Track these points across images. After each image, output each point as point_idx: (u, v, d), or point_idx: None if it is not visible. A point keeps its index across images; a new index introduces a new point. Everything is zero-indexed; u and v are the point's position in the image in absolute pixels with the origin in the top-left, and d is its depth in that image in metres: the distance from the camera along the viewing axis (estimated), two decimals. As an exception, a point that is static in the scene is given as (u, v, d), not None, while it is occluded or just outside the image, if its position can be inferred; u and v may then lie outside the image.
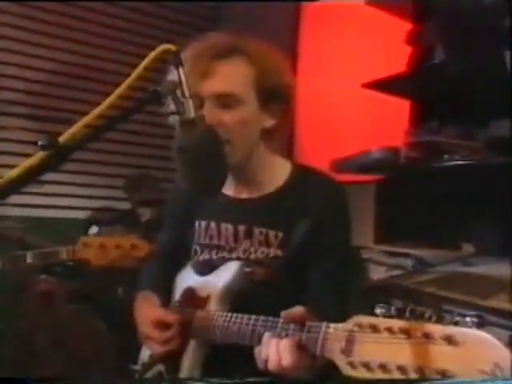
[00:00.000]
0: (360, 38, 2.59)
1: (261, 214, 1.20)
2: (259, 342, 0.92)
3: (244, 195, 1.26)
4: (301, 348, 0.86)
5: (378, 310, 0.76)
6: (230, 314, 1.05)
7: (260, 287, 1.14)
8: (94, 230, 1.26)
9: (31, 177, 0.76)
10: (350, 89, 2.56)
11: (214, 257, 1.24)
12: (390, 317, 0.74)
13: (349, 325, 0.78)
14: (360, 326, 0.76)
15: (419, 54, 2.10)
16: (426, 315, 0.72)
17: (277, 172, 1.24)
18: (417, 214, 2.10)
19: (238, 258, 1.19)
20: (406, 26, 2.18)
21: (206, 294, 1.16)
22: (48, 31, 3.40)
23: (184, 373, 1.12)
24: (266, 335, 0.92)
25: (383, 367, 0.71)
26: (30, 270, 2.23)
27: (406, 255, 1.88)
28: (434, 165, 1.89)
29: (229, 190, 1.26)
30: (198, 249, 1.29)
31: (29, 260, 1.25)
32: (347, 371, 0.75)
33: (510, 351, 0.65)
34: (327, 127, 2.81)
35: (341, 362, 0.77)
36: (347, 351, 0.77)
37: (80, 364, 2.19)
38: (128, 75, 0.89)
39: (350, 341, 0.77)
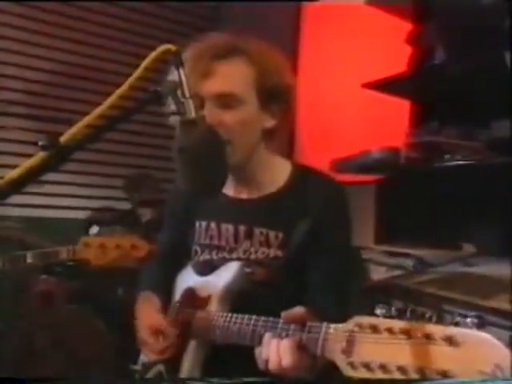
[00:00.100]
0: (360, 38, 2.59)
1: (261, 215, 1.20)
2: (260, 343, 0.92)
3: (244, 195, 1.26)
4: (301, 348, 0.86)
5: (378, 311, 0.76)
6: (230, 315, 1.05)
7: (260, 287, 1.14)
8: (94, 230, 1.25)
9: (32, 177, 0.76)
10: (350, 89, 2.56)
11: (215, 257, 1.24)
12: (391, 317, 0.74)
13: (349, 325, 0.78)
14: (360, 326, 0.76)
15: (419, 55, 2.10)
16: (427, 316, 0.72)
17: (277, 172, 1.24)
18: (417, 215, 2.10)
19: (238, 259, 1.19)
20: (407, 26, 2.18)
21: (207, 295, 1.16)
22: (47, 31, 3.40)
23: (184, 373, 1.12)
24: (267, 336, 0.92)
25: (383, 368, 0.71)
26: (30, 269, 2.23)
27: (407, 255, 1.88)
28: (434, 165, 1.89)
29: (229, 190, 1.26)
30: (199, 249, 1.28)
31: (29, 260, 1.25)
32: (348, 371, 0.75)
33: (510, 351, 0.65)
34: (327, 127, 2.81)
35: (341, 362, 0.77)
36: (348, 351, 0.77)
37: (80, 364, 2.19)
38: (128, 75, 0.89)
39: (350, 341, 0.77)
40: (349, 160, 2.13)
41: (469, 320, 0.69)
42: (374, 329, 0.74)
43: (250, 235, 1.20)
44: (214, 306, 1.13)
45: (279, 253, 1.16)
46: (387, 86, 2.11)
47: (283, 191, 1.21)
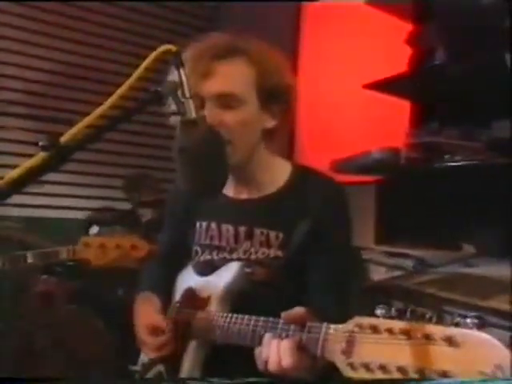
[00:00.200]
0: (360, 38, 2.59)
1: (261, 215, 1.20)
2: (260, 343, 0.92)
3: (244, 196, 1.26)
4: (301, 349, 0.86)
5: (378, 311, 0.76)
6: (230, 315, 1.05)
7: (260, 288, 1.14)
8: (94, 230, 1.25)
9: (32, 177, 0.76)
10: (350, 89, 2.56)
11: (215, 257, 1.24)
12: (391, 318, 0.74)
13: (349, 326, 0.78)
14: (360, 326, 0.76)
15: (419, 55, 2.10)
16: (427, 316, 0.72)
17: (277, 173, 1.24)
18: (417, 215, 2.10)
19: (238, 259, 1.19)
20: (407, 27, 2.18)
21: (207, 295, 1.16)
22: (47, 31, 3.40)
23: (184, 373, 1.12)
24: (267, 336, 0.92)
25: (383, 368, 0.71)
26: (30, 269, 2.23)
27: (407, 256, 1.88)
28: (434, 165, 1.89)
29: (229, 190, 1.26)
30: (199, 249, 1.28)
31: (29, 260, 1.25)
32: (347, 372, 0.75)
33: (510, 352, 0.65)
34: (327, 128, 2.81)
35: (341, 363, 0.77)
36: (347, 352, 0.77)
37: (80, 364, 2.19)
38: (127, 75, 0.89)
39: (350, 342, 0.77)
40: (349, 160, 2.13)
41: (469, 320, 0.68)
42: (374, 329, 0.74)
43: (250, 235, 1.20)
44: (214, 307, 1.13)
45: (279, 253, 1.16)
46: (387, 86, 2.11)
47: (283, 191, 1.21)
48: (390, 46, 2.33)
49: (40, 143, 0.76)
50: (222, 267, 1.18)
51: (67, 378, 1.81)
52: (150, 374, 1.21)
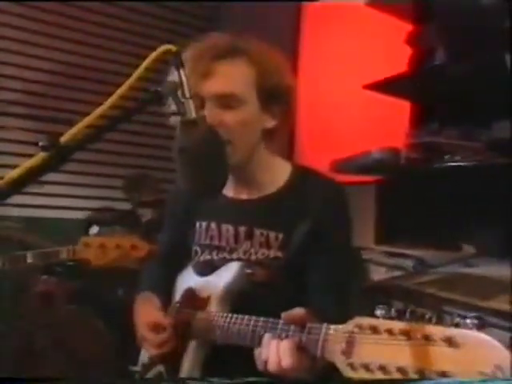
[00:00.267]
0: (360, 38, 2.59)
1: (261, 215, 1.20)
2: (259, 343, 0.92)
3: (244, 196, 1.26)
4: (301, 349, 0.86)
5: (378, 312, 0.76)
6: (230, 315, 1.05)
7: (260, 288, 1.14)
8: (94, 230, 1.25)
9: (32, 177, 0.76)
10: (350, 89, 2.56)
11: (215, 257, 1.24)
12: (391, 318, 0.74)
13: (349, 326, 0.78)
14: (360, 327, 0.76)
15: (419, 55, 2.10)
16: (427, 317, 0.72)
17: (277, 173, 1.24)
18: (417, 215, 2.10)
19: (238, 259, 1.19)
20: (407, 27, 2.18)
21: (207, 295, 1.16)
22: (47, 31, 3.40)
23: (184, 373, 1.12)
24: (267, 336, 0.92)
25: (383, 369, 0.71)
26: (30, 269, 2.23)
27: (407, 256, 1.88)
28: (434, 166, 1.89)
29: (229, 190, 1.26)
30: (199, 249, 1.28)
31: (29, 260, 1.25)
32: (347, 373, 0.75)
33: (510, 353, 0.65)
34: (327, 128, 2.81)
35: (341, 363, 0.77)
36: (347, 353, 0.77)
37: (80, 364, 2.19)
38: (127, 75, 0.89)
39: (350, 342, 0.77)
40: (349, 160, 2.13)
41: (469, 321, 0.68)
42: (374, 330, 0.74)
43: (250, 236, 1.20)
44: (214, 307, 1.13)
45: (279, 253, 1.16)
46: (387, 86, 2.10)
47: (283, 192, 1.21)
48: (390, 46, 2.33)
49: (40, 143, 0.76)
50: (222, 267, 1.18)
51: (67, 378, 1.81)
52: (149, 374, 1.21)
